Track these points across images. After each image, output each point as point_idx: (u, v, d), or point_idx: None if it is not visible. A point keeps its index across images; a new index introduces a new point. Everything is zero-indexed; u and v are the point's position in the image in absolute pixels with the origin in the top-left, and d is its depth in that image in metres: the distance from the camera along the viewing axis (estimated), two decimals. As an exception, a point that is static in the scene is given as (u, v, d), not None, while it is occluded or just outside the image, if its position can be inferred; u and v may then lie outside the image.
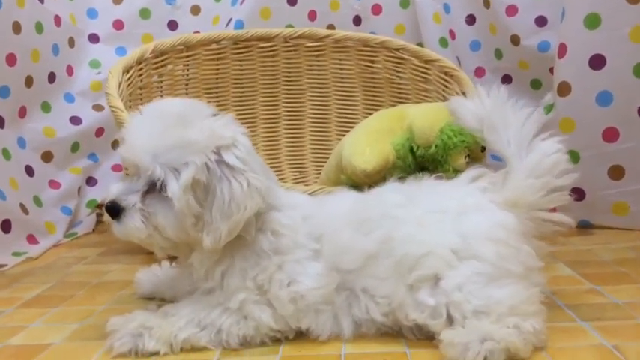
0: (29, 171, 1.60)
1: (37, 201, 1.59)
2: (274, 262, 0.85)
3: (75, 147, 1.74)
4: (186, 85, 1.69)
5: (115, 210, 0.84)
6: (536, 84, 1.73)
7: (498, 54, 1.77)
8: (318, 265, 0.86)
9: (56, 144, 1.69)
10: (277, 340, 0.87)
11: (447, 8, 1.79)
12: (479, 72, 1.81)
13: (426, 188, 0.92)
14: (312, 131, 1.81)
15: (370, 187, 1.19)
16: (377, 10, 1.82)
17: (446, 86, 1.59)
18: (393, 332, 0.86)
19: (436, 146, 1.26)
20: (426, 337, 0.84)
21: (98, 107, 1.79)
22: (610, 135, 1.35)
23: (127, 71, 1.48)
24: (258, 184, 0.83)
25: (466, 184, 0.91)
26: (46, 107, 1.69)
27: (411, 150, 1.29)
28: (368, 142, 1.26)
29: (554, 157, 0.87)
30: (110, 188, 0.86)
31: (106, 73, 1.76)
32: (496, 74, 1.79)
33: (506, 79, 1.79)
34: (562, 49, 1.37)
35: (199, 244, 0.84)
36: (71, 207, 1.68)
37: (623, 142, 1.35)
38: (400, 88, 1.69)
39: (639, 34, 1.29)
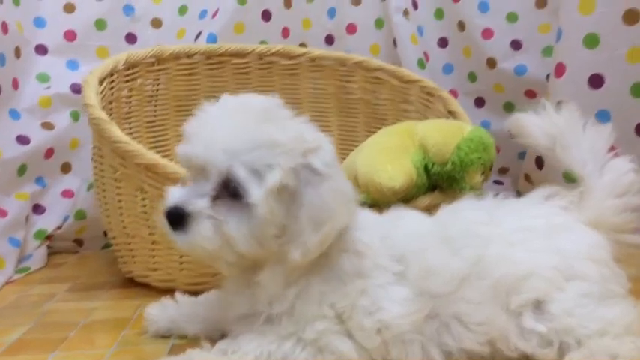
0: (-28, 197, 1.38)
1: (-18, 231, 1.37)
2: (357, 287, 0.75)
3: (22, 170, 1.53)
4: (156, 100, 1.54)
5: (179, 217, 0.71)
6: (509, 107, 1.74)
7: (472, 77, 1.77)
8: (404, 289, 0.77)
9: (1, 166, 1.47)
10: (358, 375, 0.76)
11: (420, 31, 1.78)
12: (452, 95, 1.79)
13: (504, 206, 0.86)
14: (283, 152, 1.71)
15: (388, 206, 1.13)
16: (352, 29, 1.77)
17: (427, 106, 1.57)
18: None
19: (452, 163, 1.21)
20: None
21: (47, 126, 1.59)
22: (608, 153, 1.37)
23: (101, 82, 1.32)
24: (347, 191, 0.74)
25: (540, 202, 0.86)
26: (-11, 124, 1.48)
27: (425, 167, 1.23)
28: (387, 159, 1.19)
29: (630, 176, 0.85)
30: (170, 193, 0.73)
31: (56, 88, 1.62)
32: (469, 97, 1.79)
33: (480, 102, 1.79)
34: (560, 69, 1.38)
35: (272, 261, 0.73)
36: (19, 238, 1.46)
37: (621, 160, 1.37)
38: (377, 109, 1.65)
39: (636, 55, 1.32)
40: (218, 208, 0.71)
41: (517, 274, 0.75)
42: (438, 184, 1.26)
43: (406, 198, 1.19)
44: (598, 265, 0.77)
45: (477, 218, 0.82)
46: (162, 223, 0.73)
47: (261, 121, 0.72)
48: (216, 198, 0.72)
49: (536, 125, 0.88)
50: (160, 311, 0.95)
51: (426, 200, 1.22)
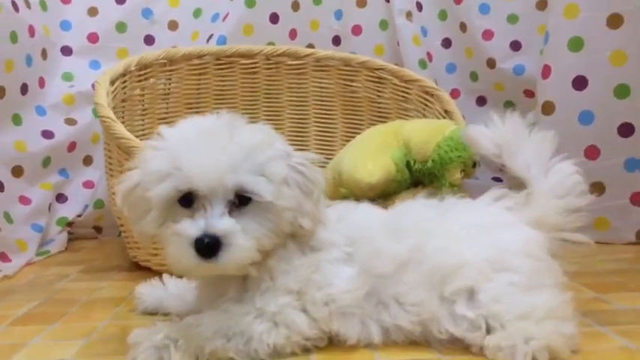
0: (-1, 186, 1.52)
1: (8, 217, 1.51)
2: (314, 260, 0.84)
3: (46, 162, 1.67)
4: (167, 99, 1.66)
5: (214, 242, 0.76)
6: (510, 105, 1.79)
7: (474, 76, 1.82)
8: (350, 269, 0.85)
9: (27, 158, 1.61)
10: (307, 350, 0.85)
11: (424, 31, 1.84)
12: (454, 93, 1.85)
13: (455, 205, 0.93)
14: (290, 149, 1.80)
15: (372, 199, 1.21)
16: (357, 30, 1.85)
17: (427, 105, 1.63)
18: (421, 340, 0.86)
19: (433, 160, 1.28)
20: (454, 346, 0.83)
21: (70, 121, 1.73)
22: (591, 152, 1.41)
23: (113, 83, 1.44)
24: (312, 158, 0.85)
25: (489, 203, 0.93)
26: (16, 120, 1.61)
27: (408, 164, 1.31)
28: (368, 156, 1.27)
29: (574, 178, 0.90)
30: (184, 229, 0.77)
31: (79, 86, 1.75)
32: (471, 96, 1.84)
33: (481, 100, 1.84)
34: (546, 71, 1.43)
35: (279, 248, 0.84)
36: (42, 224, 1.60)
37: (604, 159, 1.41)
38: (380, 107, 1.71)
39: (619, 58, 1.36)
40: (239, 221, 0.79)
41: (451, 263, 0.83)
42: (420, 180, 1.33)
43: (385, 193, 1.27)
44: (529, 259, 0.83)
45: (425, 214, 0.89)
46: (189, 255, 0.77)
47: (233, 133, 0.80)
48: (229, 213, 0.79)
49: (485, 136, 0.94)
50: (148, 291, 1.06)
51: (408, 195, 1.29)
